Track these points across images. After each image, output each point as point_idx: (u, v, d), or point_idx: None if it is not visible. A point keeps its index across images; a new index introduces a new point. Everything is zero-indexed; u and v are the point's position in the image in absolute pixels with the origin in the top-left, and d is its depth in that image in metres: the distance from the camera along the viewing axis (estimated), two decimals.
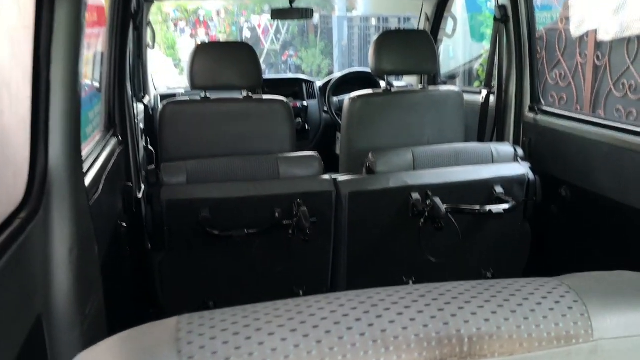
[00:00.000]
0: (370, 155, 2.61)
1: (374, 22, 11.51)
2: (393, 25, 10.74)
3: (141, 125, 3.33)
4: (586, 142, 2.54)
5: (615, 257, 2.40)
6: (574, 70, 5.25)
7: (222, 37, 14.32)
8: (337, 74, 4.63)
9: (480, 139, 3.23)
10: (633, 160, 2.26)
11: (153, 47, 4.03)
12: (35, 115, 1.29)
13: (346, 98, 2.99)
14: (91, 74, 2.53)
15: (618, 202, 2.35)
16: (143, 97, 3.76)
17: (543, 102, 3.02)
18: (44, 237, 1.29)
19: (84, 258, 1.47)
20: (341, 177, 2.58)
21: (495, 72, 3.18)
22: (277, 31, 13.83)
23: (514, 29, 3.01)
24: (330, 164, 2.98)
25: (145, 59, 4.01)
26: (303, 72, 12.16)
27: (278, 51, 13.93)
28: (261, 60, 5.79)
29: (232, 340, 0.59)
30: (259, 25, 14.12)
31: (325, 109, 4.30)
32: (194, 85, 2.79)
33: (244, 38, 13.93)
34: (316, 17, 13.24)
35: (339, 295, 0.66)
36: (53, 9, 1.30)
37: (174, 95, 4.10)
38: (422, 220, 2.44)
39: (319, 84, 4.54)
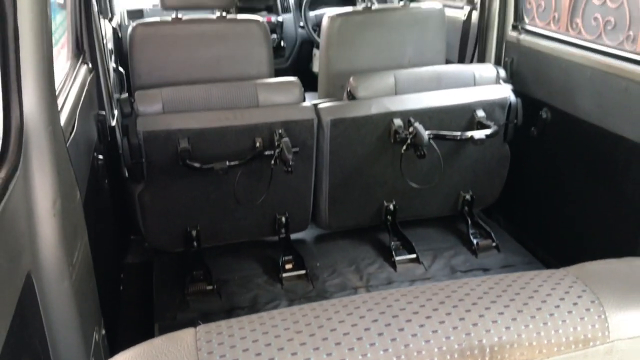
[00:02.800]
0: (351, 79, 2.55)
1: None
2: None
3: (109, 46, 3.17)
4: (569, 65, 2.50)
5: (591, 180, 2.44)
6: None
7: None
8: None
9: (462, 58, 3.17)
10: (616, 85, 2.25)
11: None
12: (5, 65, 1.19)
13: (325, 16, 2.86)
14: None
15: (598, 127, 2.36)
16: (111, 18, 3.55)
17: (527, 20, 2.94)
18: (26, 194, 1.24)
19: (68, 207, 1.43)
20: (322, 104, 2.52)
21: None
22: None
23: None
24: (307, 82, 2.90)
25: None
26: None
27: None
28: None
29: (252, 348, 0.58)
30: None
31: (301, 24, 4.14)
32: (165, 5, 2.64)
33: None
34: None
35: (354, 299, 0.65)
36: None
37: (141, 11, 3.88)
38: (405, 147, 2.43)
39: None
